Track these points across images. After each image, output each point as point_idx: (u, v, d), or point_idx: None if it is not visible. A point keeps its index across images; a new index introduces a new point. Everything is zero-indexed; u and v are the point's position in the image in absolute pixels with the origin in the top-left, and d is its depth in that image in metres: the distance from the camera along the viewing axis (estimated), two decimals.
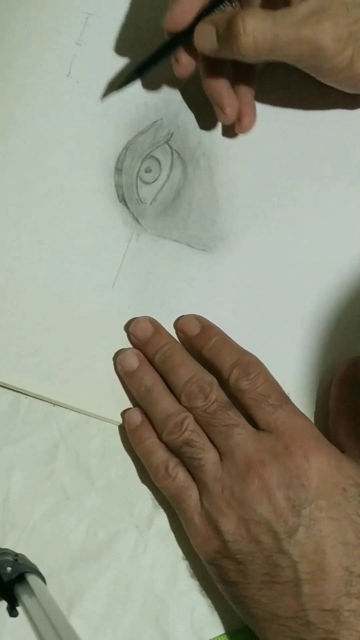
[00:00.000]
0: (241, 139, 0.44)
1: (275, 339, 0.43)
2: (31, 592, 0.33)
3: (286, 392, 0.40)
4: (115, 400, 0.42)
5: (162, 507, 0.41)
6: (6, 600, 0.34)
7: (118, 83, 0.43)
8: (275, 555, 0.36)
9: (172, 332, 0.42)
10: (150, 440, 0.40)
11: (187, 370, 0.40)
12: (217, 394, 0.39)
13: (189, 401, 0.39)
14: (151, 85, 0.45)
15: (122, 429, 0.42)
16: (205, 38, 0.38)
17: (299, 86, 0.43)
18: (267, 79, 0.44)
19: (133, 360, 0.41)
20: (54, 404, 0.42)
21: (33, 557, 0.38)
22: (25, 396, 0.43)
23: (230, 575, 0.37)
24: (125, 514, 0.41)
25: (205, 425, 0.39)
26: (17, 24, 0.45)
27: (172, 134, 0.44)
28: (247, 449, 0.38)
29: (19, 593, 0.34)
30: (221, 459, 0.38)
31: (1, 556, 0.36)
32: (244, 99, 0.42)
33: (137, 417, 0.41)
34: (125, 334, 0.43)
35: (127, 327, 0.43)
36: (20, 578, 0.34)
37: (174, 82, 0.44)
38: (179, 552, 0.41)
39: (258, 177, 0.44)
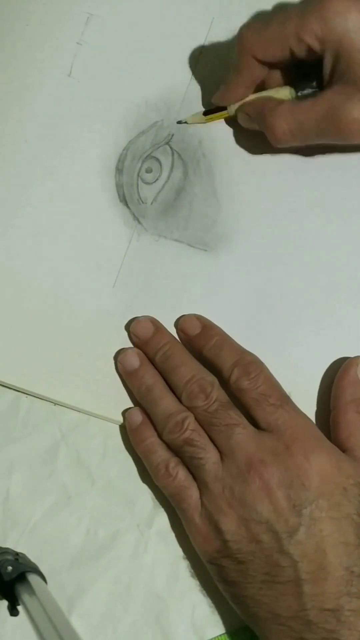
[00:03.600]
0: (241, 139, 0.44)
1: (276, 339, 0.43)
2: (32, 592, 0.33)
3: (287, 392, 0.40)
4: (115, 400, 0.42)
5: (163, 507, 0.41)
6: (7, 599, 0.34)
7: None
8: (275, 555, 0.36)
9: (173, 331, 0.42)
10: (151, 439, 0.40)
11: (188, 369, 0.40)
12: (217, 393, 0.39)
13: (190, 401, 0.39)
14: (152, 86, 0.45)
15: (122, 428, 0.42)
16: (245, 122, 0.43)
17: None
18: None
19: (134, 360, 0.41)
20: (55, 404, 0.42)
21: (34, 557, 0.38)
22: (25, 396, 0.43)
23: (230, 575, 0.37)
24: (125, 514, 0.41)
25: (205, 425, 0.39)
26: (18, 24, 0.45)
27: (172, 135, 0.44)
28: (247, 448, 0.38)
29: (19, 592, 0.34)
30: (222, 459, 0.38)
31: (2, 555, 0.36)
32: None
33: (137, 416, 0.41)
34: (126, 334, 0.43)
35: (127, 327, 0.43)
36: (21, 577, 0.35)
37: (174, 83, 0.44)
38: (179, 551, 0.41)
39: (259, 176, 0.44)
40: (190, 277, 0.43)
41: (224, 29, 0.45)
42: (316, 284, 0.43)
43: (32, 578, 0.34)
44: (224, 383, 0.40)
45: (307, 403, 0.41)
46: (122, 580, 0.41)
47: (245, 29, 0.40)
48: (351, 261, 0.43)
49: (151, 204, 0.44)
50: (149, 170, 0.44)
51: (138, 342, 0.42)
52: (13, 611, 0.34)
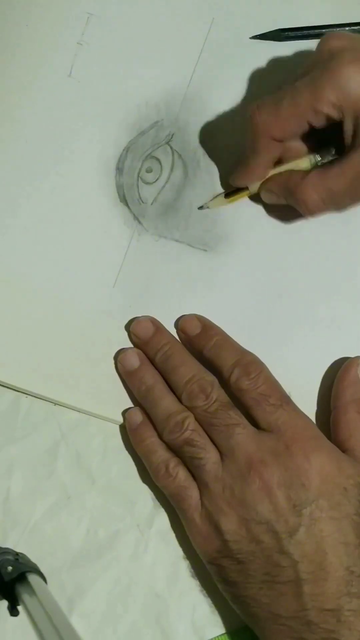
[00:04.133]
0: (242, 139, 0.44)
1: (276, 339, 0.43)
2: (32, 592, 0.33)
3: (287, 392, 0.40)
4: (116, 400, 0.42)
5: (163, 507, 0.41)
6: (7, 599, 0.34)
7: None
8: (275, 555, 0.36)
9: (173, 331, 0.42)
10: (151, 439, 0.40)
11: (188, 369, 0.40)
12: (218, 393, 0.39)
13: (190, 401, 0.39)
14: (152, 86, 0.45)
15: (122, 428, 0.42)
16: (270, 199, 0.42)
17: None
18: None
19: (134, 360, 0.41)
20: (55, 404, 0.42)
21: (34, 557, 0.38)
22: (26, 396, 0.43)
23: (230, 575, 0.37)
24: (125, 514, 0.41)
25: (206, 425, 0.39)
26: (18, 24, 0.45)
27: (172, 135, 0.44)
28: (247, 448, 0.38)
29: (19, 592, 0.34)
30: (222, 459, 0.38)
31: (2, 555, 0.36)
32: None
33: (137, 416, 0.41)
34: (126, 334, 0.43)
35: (128, 327, 0.43)
36: (21, 577, 0.34)
37: (175, 83, 0.44)
38: (179, 551, 0.41)
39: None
40: (190, 277, 0.43)
41: (224, 29, 0.45)
42: (316, 284, 0.43)
43: (32, 578, 0.34)
44: (224, 383, 0.40)
45: (307, 403, 0.41)
46: (122, 580, 0.41)
47: (257, 111, 0.39)
48: (351, 261, 0.44)
49: (151, 204, 0.44)
50: (149, 170, 0.44)
51: (138, 342, 0.42)
52: (13, 611, 0.34)
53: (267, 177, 0.41)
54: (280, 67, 0.44)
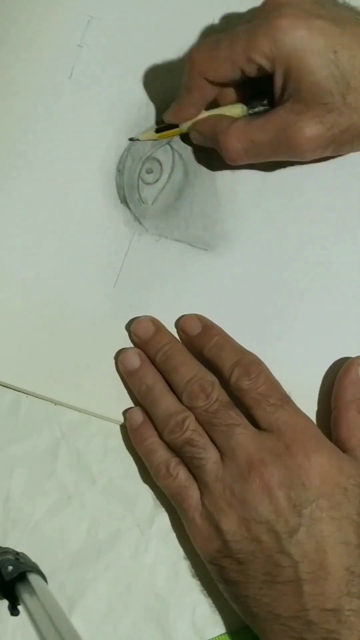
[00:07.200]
0: None
1: (277, 339, 0.43)
2: (32, 591, 0.33)
3: (287, 392, 0.40)
4: (116, 400, 0.42)
5: (163, 507, 0.41)
6: (7, 599, 0.34)
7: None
8: (276, 555, 0.36)
9: (174, 331, 0.42)
10: (152, 439, 0.40)
11: (189, 369, 0.40)
12: (218, 393, 0.39)
13: (190, 401, 0.39)
14: (152, 87, 0.45)
15: (123, 428, 0.42)
16: (198, 140, 0.43)
17: None
18: None
19: (134, 360, 0.41)
20: (55, 404, 0.42)
21: (34, 556, 0.37)
22: (26, 395, 0.43)
23: (231, 575, 0.37)
24: (126, 513, 0.41)
25: (206, 425, 0.39)
26: (19, 26, 0.45)
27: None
28: (248, 448, 0.38)
29: (20, 592, 0.34)
30: (222, 459, 0.38)
31: (2, 555, 0.36)
32: None
33: (138, 416, 0.41)
34: (126, 334, 0.43)
35: (128, 327, 0.43)
36: (22, 577, 0.34)
37: (175, 84, 0.44)
38: (180, 551, 0.41)
39: (259, 175, 0.44)
40: (190, 276, 0.43)
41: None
42: (317, 284, 0.43)
43: (33, 578, 0.34)
44: (225, 383, 0.40)
45: (307, 403, 0.41)
46: (122, 580, 0.41)
47: (195, 50, 0.40)
48: (351, 261, 0.44)
49: (152, 204, 0.44)
50: (149, 171, 0.44)
51: (139, 342, 0.42)
52: (14, 611, 0.34)
53: (198, 117, 0.42)
54: None
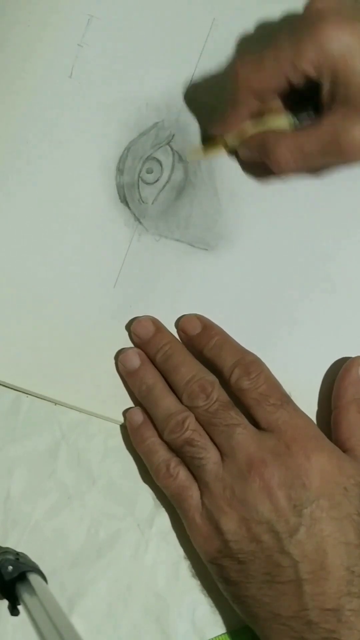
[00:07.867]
0: None
1: (277, 339, 0.43)
2: (32, 591, 0.33)
3: (287, 392, 0.40)
4: (116, 400, 0.42)
5: (164, 507, 0.41)
6: (7, 599, 0.34)
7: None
8: (276, 555, 0.36)
9: (174, 331, 0.42)
10: (152, 439, 0.40)
11: (189, 369, 0.40)
12: (218, 393, 0.39)
13: (191, 401, 0.39)
14: (152, 87, 0.45)
15: (123, 428, 0.42)
16: (247, 157, 0.43)
17: None
18: None
19: (135, 360, 0.41)
20: (55, 403, 0.42)
21: (34, 556, 0.37)
22: (26, 395, 0.43)
23: (231, 575, 0.37)
24: (126, 513, 0.41)
25: (206, 425, 0.39)
26: (19, 25, 0.45)
27: (173, 135, 0.45)
28: (248, 448, 0.38)
29: (20, 592, 0.34)
30: (222, 459, 0.38)
31: (2, 555, 0.36)
32: None
33: (138, 416, 0.41)
34: (126, 333, 0.43)
35: (128, 327, 0.43)
36: (22, 577, 0.34)
37: (175, 84, 0.45)
38: (180, 551, 0.41)
39: (259, 176, 0.44)
40: (191, 276, 0.43)
41: (224, 30, 0.45)
42: (317, 284, 0.43)
43: (33, 578, 0.34)
44: (225, 383, 0.40)
45: (307, 403, 0.41)
46: (122, 580, 0.41)
47: (240, 64, 0.39)
48: (351, 261, 0.44)
49: (152, 204, 0.44)
50: (149, 171, 0.44)
51: (139, 342, 0.42)
52: (14, 611, 0.34)
53: (245, 132, 0.41)
54: None
